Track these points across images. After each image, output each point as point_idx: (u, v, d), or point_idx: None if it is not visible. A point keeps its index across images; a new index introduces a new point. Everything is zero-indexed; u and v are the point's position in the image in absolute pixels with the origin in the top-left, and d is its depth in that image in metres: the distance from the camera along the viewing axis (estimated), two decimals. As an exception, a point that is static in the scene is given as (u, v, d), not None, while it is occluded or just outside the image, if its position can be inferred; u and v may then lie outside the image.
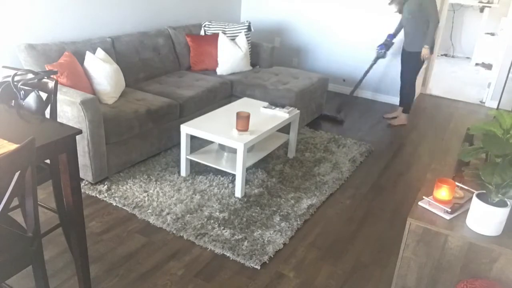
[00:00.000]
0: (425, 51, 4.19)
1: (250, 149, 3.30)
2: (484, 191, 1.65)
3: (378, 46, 4.69)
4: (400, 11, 4.32)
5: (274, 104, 3.54)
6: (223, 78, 4.29)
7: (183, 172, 3.24)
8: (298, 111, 3.52)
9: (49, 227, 2.32)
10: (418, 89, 5.74)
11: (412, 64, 4.41)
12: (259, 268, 2.36)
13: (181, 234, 2.58)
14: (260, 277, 2.30)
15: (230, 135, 2.96)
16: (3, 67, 2.26)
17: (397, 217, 2.95)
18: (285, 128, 3.83)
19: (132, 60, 3.89)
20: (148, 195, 2.95)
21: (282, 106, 3.50)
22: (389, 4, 4.33)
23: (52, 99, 2.14)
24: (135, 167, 3.29)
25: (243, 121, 2.97)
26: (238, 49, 4.43)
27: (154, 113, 3.32)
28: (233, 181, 3.19)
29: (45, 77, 2.14)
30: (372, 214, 2.98)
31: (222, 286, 2.22)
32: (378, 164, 3.74)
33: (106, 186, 3.01)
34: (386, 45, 4.66)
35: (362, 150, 3.90)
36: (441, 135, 4.45)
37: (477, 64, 7.89)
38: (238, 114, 2.95)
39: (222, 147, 3.28)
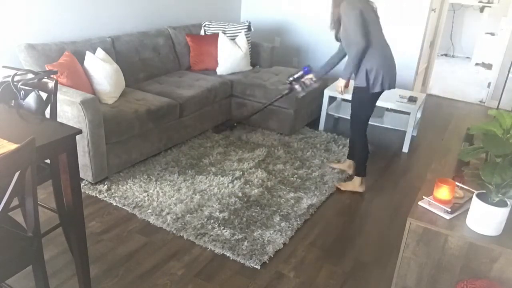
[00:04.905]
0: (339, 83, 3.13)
1: None
2: (484, 191, 1.65)
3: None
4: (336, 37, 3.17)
5: None
6: (223, 78, 4.29)
7: (321, 126, 4.24)
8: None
9: (49, 227, 2.32)
10: (418, 89, 5.73)
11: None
12: (259, 268, 2.36)
13: (181, 234, 2.58)
14: (260, 277, 2.30)
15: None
16: (3, 67, 2.26)
17: (397, 217, 2.95)
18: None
19: (132, 60, 3.89)
20: (148, 195, 2.95)
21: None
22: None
23: (52, 99, 2.14)
24: (135, 167, 3.29)
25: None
26: (238, 49, 4.43)
27: (154, 113, 3.32)
28: (233, 181, 3.18)
29: (45, 77, 2.14)
30: (372, 214, 2.98)
31: (222, 286, 2.22)
32: (378, 164, 3.74)
33: (106, 186, 3.01)
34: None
35: (362, 150, 3.90)
36: (441, 135, 4.45)
37: (477, 64, 7.89)
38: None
39: None
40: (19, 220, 1.83)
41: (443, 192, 1.75)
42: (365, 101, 3.07)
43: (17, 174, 1.42)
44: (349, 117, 3.25)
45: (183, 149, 3.65)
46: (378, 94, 3.03)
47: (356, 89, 3.05)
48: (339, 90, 3.13)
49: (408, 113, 4.05)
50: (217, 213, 2.79)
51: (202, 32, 4.66)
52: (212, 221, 2.71)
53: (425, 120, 4.90)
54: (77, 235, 1.95)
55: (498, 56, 5.50)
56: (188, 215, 2.75)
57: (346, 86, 3.12)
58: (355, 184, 3.25)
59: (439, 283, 1.74)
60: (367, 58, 2.92)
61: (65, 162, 1.79)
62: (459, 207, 1.77)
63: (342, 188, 3.27)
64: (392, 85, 3.02)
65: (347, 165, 3.52)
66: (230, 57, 4.40)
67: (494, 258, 1.61)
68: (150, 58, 4.08)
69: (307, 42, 5.58)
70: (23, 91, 2.12)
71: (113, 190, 2.98)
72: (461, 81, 6.82)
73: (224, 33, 4.53)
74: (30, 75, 2.15)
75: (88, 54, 3.28)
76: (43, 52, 3.16)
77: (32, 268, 1.69)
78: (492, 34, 7.65)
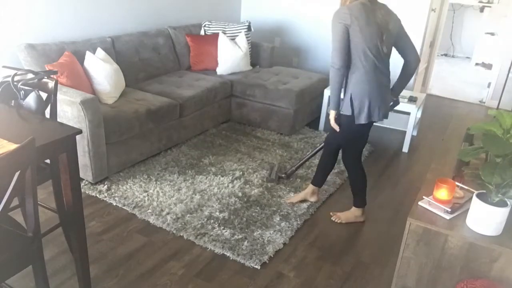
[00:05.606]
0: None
1: None
2: (484, 191, 1.64)
3: None
4: None
5: None
6: (223, 78, 4.29)
7: (321, 126, 4.30)
8: None
9: (49, 227, 2.32)
10: (418, 89, 5.73)
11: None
12: (259, 268, 2.36)
13: (181, 234, 2.58)
14: (260, 277, 2.30)
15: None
16: (3, 67, 2.26)
17: (397, 217, 2.95)
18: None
19: (132, 60, 3.89)
20: (148, 195, 2.95)
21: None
22: None
23: (52, 99, 2.14)
24: (135, 167, 3.29)
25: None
26: (238, 49, 4.43)
27: (154, 113, 3.32)
28: (233, 181, 3.18)
29: (45, 77, 2.14)
30: (372, 214, 2.98)
31: (222, 286, 2.22)
32: (378, 164, 3.74)
33: (106, 186, 3.01)
34: None
35: (362, 150, 3.90)
36: (441, 135, 4.45)
37: (477, 64, 7.89)
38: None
39: None
40: (19, 220, 1.84)
41: (443, 192, 1.75)
42: (351, 132, 2.60)
43: (17, 174, 1.42)
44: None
45: (183, 149, 3.65)
46: (368, 126, 2.57)
47: (342, 117, 2.57)
48: (332, 123, 2.62)
49: (408, 113, 4.05)
50: (217, 213, 2.79)
51: (202, 32, 4.66)
52: (212, 221, 2.71)
53: (425, 120, 4.90)
54: (77, 235, 1.95)
55: (498, 56, 5.50)
56: (188, 215, 2.75)
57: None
58: (356, 215, 2.84)
59: (439, 283, 1.74)
60: (353, 82, 2.46)
61: (65, 162, 1.79)
62: (459, 207, 1.77)
63: (342, 221, 2.83)
64: (385, 116, 2.56)
65: (310, 192, 2.97)
66: (230, 57, 4.40)
67: (494, 258, 1.61)
68: (150, 58, 4.08)
69: (307, 42, 5.58)
70: (23, 91, 2.12)
71: (113, 190, 2.98)
72: (461, 81, 6.82)
73: (224, 33, 4.53)
74: (30, 75, 2.15)
75: (88, 54, 3.28)
76: (43, 52, 3.16)
77: (32, 268, 1.69)
78: (492, 34, 7.65)
